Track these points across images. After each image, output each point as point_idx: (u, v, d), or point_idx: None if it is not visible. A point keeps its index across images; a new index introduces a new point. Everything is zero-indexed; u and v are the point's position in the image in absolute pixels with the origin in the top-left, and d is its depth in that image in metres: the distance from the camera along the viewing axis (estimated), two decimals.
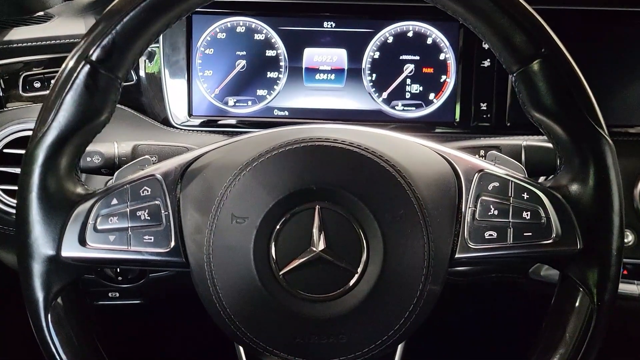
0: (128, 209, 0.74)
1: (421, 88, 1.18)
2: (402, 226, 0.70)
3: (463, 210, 0.74)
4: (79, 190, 0.74)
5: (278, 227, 0.69)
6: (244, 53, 1.17)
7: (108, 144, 0.92)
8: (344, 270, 0.68)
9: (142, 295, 1.29)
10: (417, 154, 0.76)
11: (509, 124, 1.21)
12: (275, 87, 1.19)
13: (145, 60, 1.21)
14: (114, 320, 1.40)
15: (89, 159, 0.89)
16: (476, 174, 0.74)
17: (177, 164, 0.77)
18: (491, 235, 0.72)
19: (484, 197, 0.71)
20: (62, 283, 0.72)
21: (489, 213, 0.72)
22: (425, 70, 1.21)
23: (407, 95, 1.20)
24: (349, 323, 0.71)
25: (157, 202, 0.72)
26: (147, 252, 0.73)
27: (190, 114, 1.22)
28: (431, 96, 1.20)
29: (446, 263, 0.73)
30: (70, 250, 0.70)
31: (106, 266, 1.03)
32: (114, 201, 0.74)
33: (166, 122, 1.22)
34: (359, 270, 0.69)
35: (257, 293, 0.70)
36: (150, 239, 0.73)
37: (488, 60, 1.20)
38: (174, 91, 1.19)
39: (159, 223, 0.72)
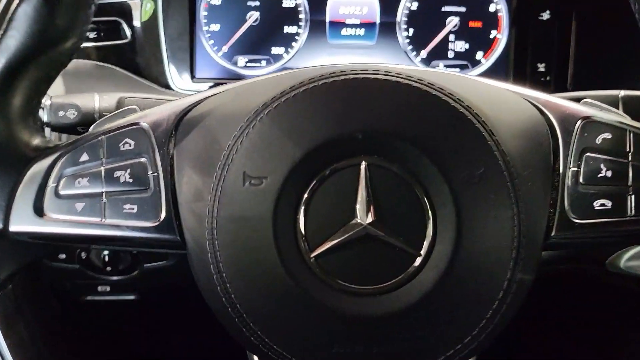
0: (103, 168, 0.56)
1: (467, 46, 1.04)
2: (482, 190, 0.52)
3: (561, 171, 0.56)
4: (37, 141, 0.56)
5: (308, 191, 0.53)
6: (257, 3, 1.03)
7: (87, 96, 0.73)
8: (400, 251, 0.53)
9: (137, 290, 1.11)
10: (497, 97, 0.58)
11: (571, 88, 1.03)
12: (293, 44, 1.05)
13: (140, 13, 1.05)
14: (105, 319, 1.23)
15: (61, 112, 0.70)
16: (579, 123, 0.56)
17: (170, 111, 0.59)
18: (603, 205, 0.52)
19: (591, 154, 0.55)
20: (12, 268, 0.56)
21: (599, 175, 0.54)
22: (472, 24, 1.05)
23: (450, 54, 1.06)
24: (408, 326, 0.53)
25: (142, 159, 0.57)
26: (128, 226, 0.55)
27: (193, 77, 1.06)
28: (479, 55, 1.06)
29: (540, 244, 0.55)
30: (23, 222, 0.55)
31: (72, 245, 0.84)
32: (84, 157, 0.56)
33: (166, 86, 1.07)
34: (423, 252, 0.53)
35: (279, 283, 0.53)
36: (133, 209, 0.56)
37: (548, 12, 1.03)
38: (174, 50, 1.05)
39: (144, 187, 0.56)
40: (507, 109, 0.57)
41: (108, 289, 1.10)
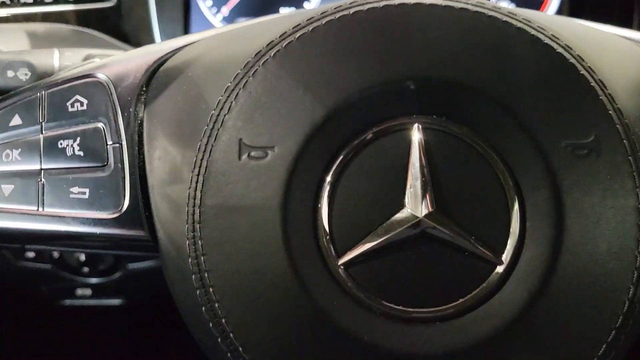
0: (42, 136, 0.42)
1: None
2: (592, 167, 0.36)
3: None
4: None
5: (335, 167, 0.37)
6: None
7: (44, 52, 0.56)
8: (473, 258, 0.37)
9: (122, 294, 0.99)
10: (604, 41, 0.43)
11: None
12: (305, 4, 0.92)
13: None
14: (89, 327, 1.11)
15: (10, 72, 0.53)
16: None
17: (140, 61, 0.43)
18: None
19: None
20: None
21: None
22: None
23: None
24: None
25: (98, 124, 0.42)
26: (75, 217, 0.41)
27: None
28: None
29: None
30: None
31: None
32: (16, 120, 0.40)
33: None
34: (506, 258, 0.37)
35: (290, 305, 0.36)
36: (83, 194, 0.40)
37: None
38: (165, 13, 0.92)
39: (100, 164, 0.41)
40: (614, 56, 0.41)
41: (89, 292, 0.97)
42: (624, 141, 0.36)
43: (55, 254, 0.88)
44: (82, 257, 0.89)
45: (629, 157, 0.36)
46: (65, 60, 0.55)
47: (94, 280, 0.93)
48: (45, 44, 0.84)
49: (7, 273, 0.92)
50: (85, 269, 0.90)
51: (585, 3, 0.89)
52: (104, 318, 1.12)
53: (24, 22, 0.92)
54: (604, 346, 0.36)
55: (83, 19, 0.94)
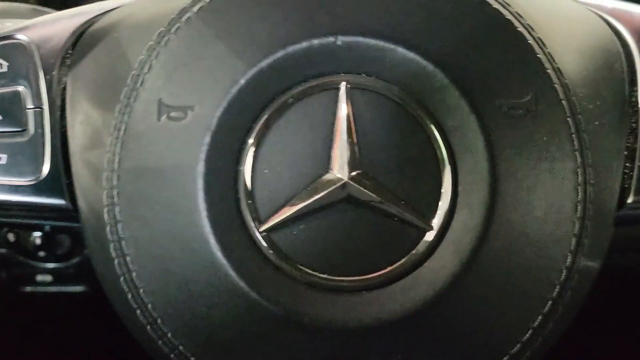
0: None
1: None
2: (529, 128, 0.34)
3: None
4: None
5: (258, 129, 0.35)
6: None
7: None
8: (401, 223, 0.34)
9: (84, 280, 0.94)
10: (553, 6, 0.40)
11: None
12: None
13: None
14: (52, 316, 1.05)
15: None
16: None
17: (66, 23, 0.41)
18: None
19: None
20: None
21: None
22: None
23: None
24: (414, 341, 0.34)
25: (18, 87, 0.39)
26: None
27: None
28: None
29: (612, 214, 0.37)
30: None
31: None
32: None
33: None
34: (436, 223, 0.35)
35: (212, 274, 0.34)
36: (1, 159, 0.37)
37: None
38: None
39: (19, 129, 0.39)
40: (560, 17, 0.39)
41: (49, 278, 0.93)
42: (563, 102, 0.34)
43: (11, 237, 0.86)
44: (38, 241, 0.86)
45: (568, 118, 0.34)
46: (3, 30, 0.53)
47: (52, 265, 0.90)
48: None
49: None
50: (42, 254, 0.87)
51: None
52: (71, 306, 1.09)
53: None
54: (539, 317, 0.34)
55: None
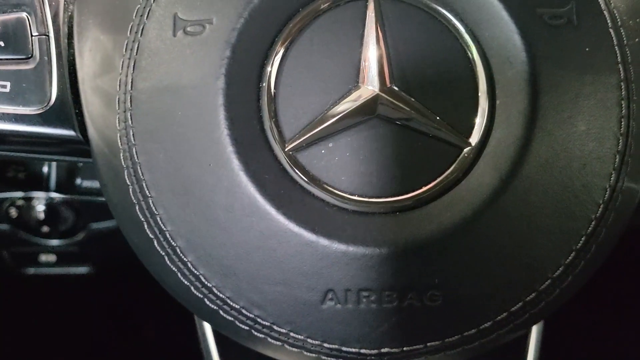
0: None
1: None
2: (570, 39, 0.32)
3: None
4: None
5: (282, 40, 0.32)
6: None
7: None
8: (436, 140, 0.32)
9: (87, 260, 0.93)
10: None
11: None
12: None
13: None
14: (57, 300, 1.05)
15: None
16: None
17: None
18: None
19: None
20: None
21: None
22: None
23: None
24: (452, 263, 0.32)
25: (22, 14, 0.37)
26: None
27: None
28: None
29: None
30: None
31: None
32: None
33: None
34: (474, 140, 0.32)
35: (235, 196, 0.32)
36: (4, 87, 0.36)
37: None
38: None
39: (24, 56, 0.37)
40: None
41: (53, 258, 0.91)
42: (604, 12, 0.32)
43: (13, 213, 0.84)
44: (41, 215, 0.84)
45: (610, 30, 0.32)
46: None
47: (55, 242, 0.88)
48: None
49: None
50: (46, 229, 0.85)
51: None
52: (74, 290, 1.08)
53: None
54: (582, 239, 0.32)
55: None
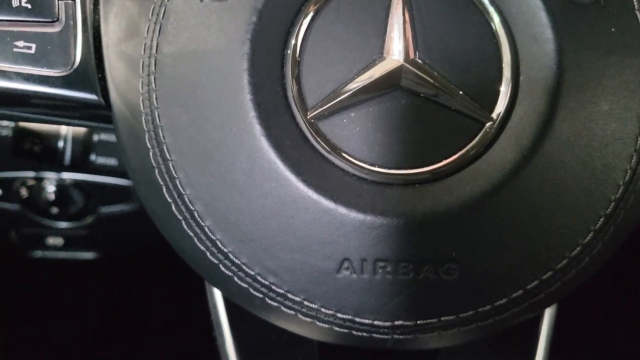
0: None
1: None
2: (597, 20, 0.32)
3: None
4: None
5: (307, 8, 0.33)
6: None
7: None
8: (458, 114, 0.32)
9: (95, 245, 0.93)
10: None
11: None
12: None
13: None
14: (61, 284, 1.04)
15: None
16: None
17: None
18: None
19: None
20: None
21: None
22: None
23: None
24: (469, 237, 0.32)
25: None
26: (19, 73, 0.36)
27: None
28: None
29: None
30: None
31: None
32: None
33: None
34: (496, 115, 0.33)
35: (255, 161, 0.32)
36: (29, 48, 0.36)
37: None
38: None
39: (50, 19, 0.37)
40: None
41: (60, 241, 0.92)
42: None
43: (24, 192, 0.84)
44: (52, 196, 0.84)
45: (637, 12, 0.33)
46: None
47: (64, 224, 0.88)
48: None
49: None
50: (55, 210, 0.85)
51: None
52: (81, 276, 1.07)
53: None
54: (601, 220, 0.32)
55: None
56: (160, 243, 0.42)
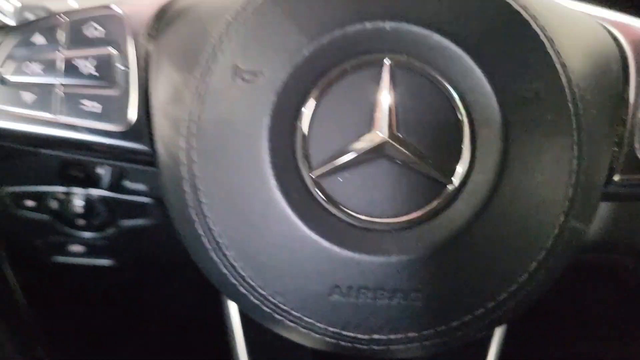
0: (62, 54, 0.46)
1: None
2: (537, 109, 0.41)
3: (631, 102, 0.46)
4: None
5: (315, 92, 0.42)
6: None
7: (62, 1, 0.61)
8: (427, 178, 0.42)
9: (113, 254, 0.99)
10: (558, 10, 0.47)
11: None
12: None
13: None
14: (79, 287, 1.11)
15: (28, 14, 0.59)
16: None
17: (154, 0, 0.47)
18: None
19: None
20: None
21: None
22: None
23: None
24: (428, 274, 0.41)
25: (112, 50, 0.47)
26: (87, 127, 0.45)
27: None
28: None
29: (600, 187, 0.44)
30: None
31: (14, 145, 0.70)
32: (39, 39, 0.45)
33: None
34: (456, 180, 0.42)
35: (269, 208, 0.41)
36: (95, 108, 0.44)
37: None
38: None
39: (111, 84, 0.46)
40: (570, 23, 0.46)
41: (82, 249, 0.98)
42: (566, 89, 0.42)
43: (54, 205, 0.92)
44: (80, 209, 0.92)
45: (569, 103, 0.42)
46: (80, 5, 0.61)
47: (87, 235, 0.94)
48: None
49: (5, 222, 0.94)
50: (81, 222, 0.93)
51: None
52: (97, 279, 1.13)
53: None
54: (534, 263, 0.42)
55: None
56: (176, 253, 0.50)
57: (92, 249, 0.98)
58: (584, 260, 0.80)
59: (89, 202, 0.90)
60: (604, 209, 0.55)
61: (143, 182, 0.81)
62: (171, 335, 1.21)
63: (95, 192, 0.89)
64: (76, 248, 0.98)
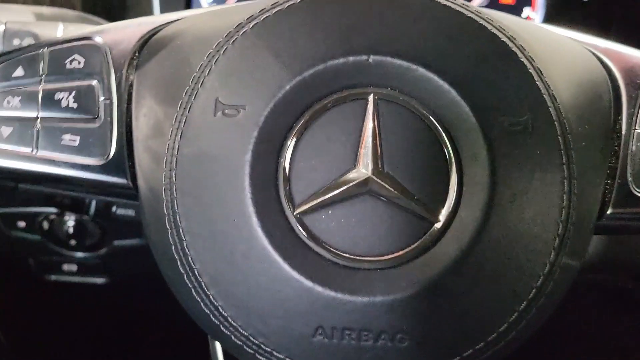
0: (41, 88, 0.45)
1: None
2: (526, 143, 0.40)
3: (623, 133, 0.44)
4: None
5: (298, 126, 0.41)
6: None
7: (49, 25, 0.61)
8: (412, 215, 0.41)
9: (106, 272, 0.99)
10: (547, 38, 0.46)
11: None
12: None
13: None
14: (72, 304, 1.10)
15: (16, 41, 0.58)
16: None
17: (135, 29, 0.47)
18: None
19: None
20: None
21: None
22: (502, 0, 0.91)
23: None
24: (417, 314, 0.40)
25: (93, 82, 0.46)
26: (65, 162, 0.44)
27: None
28: None
29: (593, 221, 0.43)
30: None
31: None
32: (18, 72, 0.44)
33: None
34: (442, 218, 0.40)
35: (251, 246, 0.40)
36: (74, 141, 0.44)
37: None
38: (168, 7, 0.95)
39: (92, 117, 0.45)
40: (559, 52, 0.45)
41: (75, 268, 0.98)
42: (555, 122, 0.41)
43: (46, 225, 0.91)
44: (71, 230, 0.91)
45: (559, 137, 0.41)
46: (68, 34, 0.60)
47: (80, 254, 0.94)
48: None
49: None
50: (73, 242, 0.93)
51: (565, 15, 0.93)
52: (89, 296, 1.12)
53: (32, 4, 0.95)
54: (524, 303, 0.40)
55: (89, 6, 0.98)
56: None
57: (86, 268, 0.98)
58: (583, 281, 0.79)
59: (80, 223, 0.90)
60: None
61: (132, 208, 0.80)
62: (164, 352, 1.19)
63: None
64: (69, 267, 0.98)
